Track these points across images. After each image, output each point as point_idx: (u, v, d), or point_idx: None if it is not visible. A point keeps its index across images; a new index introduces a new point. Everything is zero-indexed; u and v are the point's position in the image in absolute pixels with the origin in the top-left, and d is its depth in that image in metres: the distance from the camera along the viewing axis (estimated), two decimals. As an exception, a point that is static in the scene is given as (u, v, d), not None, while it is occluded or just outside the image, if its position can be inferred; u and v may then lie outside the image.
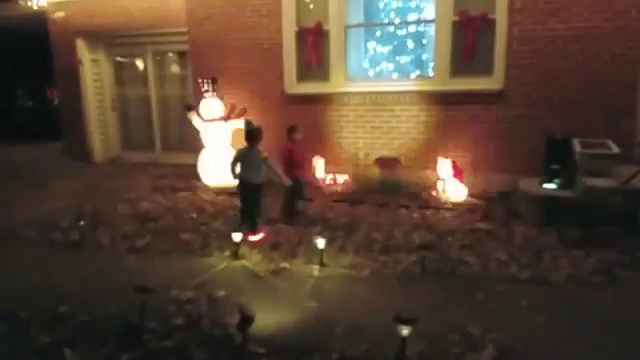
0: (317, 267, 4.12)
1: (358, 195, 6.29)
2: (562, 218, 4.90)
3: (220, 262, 4.30)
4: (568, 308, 3.38)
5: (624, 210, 4.58)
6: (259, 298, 3.60)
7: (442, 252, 4.34)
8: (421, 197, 6.10)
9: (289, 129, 5.48)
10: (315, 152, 6.81)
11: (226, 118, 6.97)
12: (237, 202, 5.20)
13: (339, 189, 6.56)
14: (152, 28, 8.53)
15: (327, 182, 6.70)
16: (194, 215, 5.66)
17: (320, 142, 6.99)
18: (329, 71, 6.88)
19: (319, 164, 6.81)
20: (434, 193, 6.14)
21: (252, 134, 4.86)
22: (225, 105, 7.05)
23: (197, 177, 7.11)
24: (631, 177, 4.70)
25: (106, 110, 9.78)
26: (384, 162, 6.71)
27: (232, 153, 5.11)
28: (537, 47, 5.82)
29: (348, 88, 6.84)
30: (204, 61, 7.46)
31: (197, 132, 7.09)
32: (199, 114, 7.00)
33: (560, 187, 5.23)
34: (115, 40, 9.25)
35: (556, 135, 5.58)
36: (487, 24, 6.02)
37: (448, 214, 5.58)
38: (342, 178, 6.70)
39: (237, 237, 4.36)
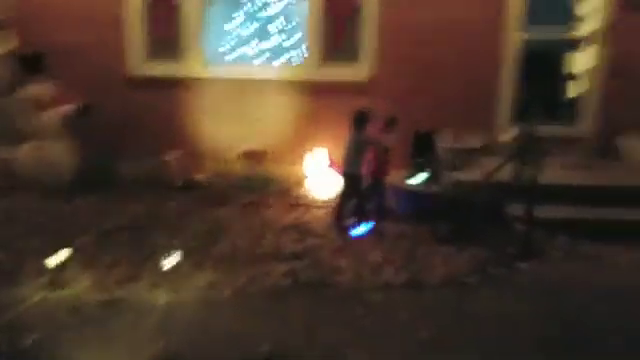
0: (165, 293, 3.34)
1: (220, 194, 5.58)
2: (431, 213, 4.76)
3: (33, 293, 3.29)
4: (450, 317, 3.12)
5: (490, 204, 4.57)
6: (85, 343, 2.74)
7: (314, 259, 3.88)
8: (291, 194, 5.60)
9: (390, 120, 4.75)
10: (170, 146, 5.93)
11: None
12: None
13: (198, 188, 5.77)
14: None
15: (183, 180, 5.84)
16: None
17: (175, 134, 6.11)
18: (184, 53, 6.02)
19: (174, 159, 5.94)
20: (304, 190, 5.69)
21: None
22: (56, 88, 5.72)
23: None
24: (494, 170, 4.71)
25: None
26: (250, 156, 6.08)
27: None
28: (406, 36, 5.65)
29: (207, 73, 6.05)
30: (29, 35, 6.01)
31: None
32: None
33: (426, 181, 5.12)
34: None
35: (421, 129, 5.50)
36: (355, 10, 5.70)
37: (320, 212, 5.15)
38: (201, 175, 5.92)
39: (55, 260, 3.39)
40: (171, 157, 5.90)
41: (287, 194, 5.59)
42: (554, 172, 4.63)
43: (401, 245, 4.21)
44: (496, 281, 3.59)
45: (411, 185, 5.09)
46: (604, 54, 5.46)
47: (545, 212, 4.07)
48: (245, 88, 5.99)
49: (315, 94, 5.89)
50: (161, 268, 3.51)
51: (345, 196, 4.67)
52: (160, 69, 6.05)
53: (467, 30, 5.53)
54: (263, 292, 3.39)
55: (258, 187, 5.74)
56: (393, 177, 5.29)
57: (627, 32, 5.33)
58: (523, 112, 5.00)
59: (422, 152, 5.36)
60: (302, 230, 4.52)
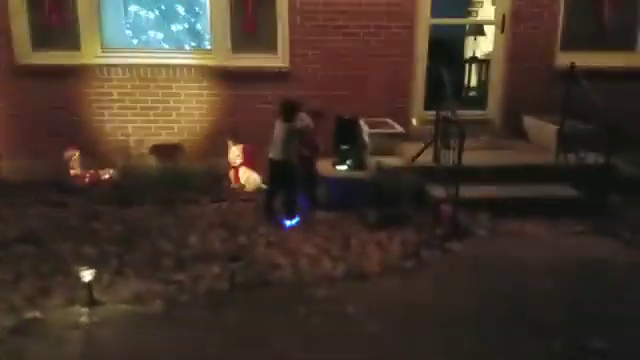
0: (85, 309, 2.95)
1: (132, 193, 5.10)
2: (359, 200, 4.74)
3: None
4: (396, 307, 3.10)
5: (414, 187, 4.65)
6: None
7: (248, 257, 3.66)
8: (213, 189, 5.27)
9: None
10: (67, 142, 5.30)
11: None
12: None
13: (103, 187, 5.22)
14: None
15: (86, 179, 5.26)
16: None
17: (73, 128, 5.48)
18: (79, 37, 5.37)
19: (73, 157, 5.32)
20: (227, 183, 5.40)
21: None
22: None
23: None
24: (418, 153, 4.81)
25: None
26: (163, 150, 5.64)
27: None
28: (320, 23, 5.52)
29: (106, 59, 5.46)
30: None
31: None
32: None
33: (352, 168, 5.10)
34: None
35: (344, 115, 5.45)
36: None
37: (246, 206, 4.91)
38: (107, 173, 5.36)
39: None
40: (70, 154, 5.28)
41: (208, 189, 5.25)
42: (467, 154, 4.79)
43: (334, 234, 4.15)
44: (431, 264, 3.65)
45: (338, 172, 5.03)
46: (506, 38, 5.77)
47: (465, 192, 4.21)
48: (152, 75, 5.51)
49: (232, 82, 5.58)
50: (76, 280, 3.07)
51: (274, 186, 4.49)
52: (53, 56, 5.35)
53: (377, 16, 5.54)
54: (198, 300, 3.13)
55: (175, 183, 5.34)
56: (320, 166, 5.21)
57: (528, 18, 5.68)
58: (436, 97, 5.11)
59: (346, 139, 5.31)
60: (230, 226, 4.26)
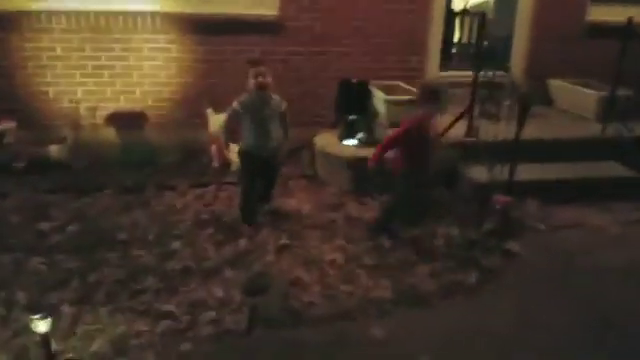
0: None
1: (88, 177, 4.01)
2: (377, 184, 3.90)
3: None
4: (476, 344, 2.32)
5: (447, 169, 3.84)
6: None
7: (259, 271, 2.76)
8: (189, 170, 4.25)
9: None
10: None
11: None
12: None
13: (48, 169, 4.09)
14: None
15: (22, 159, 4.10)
16: None
17: (6, 93, 4.24)
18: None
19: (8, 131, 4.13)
20: (206, 161, 4.38)
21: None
22: None
23: None
24: (450, 125, 3.95)
25: None
26: (123, 119, 4.51)
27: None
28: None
29: (45, 3, 4.19)
30: None
31: None
32: None
33: (364, 143, 4.20)
34: None
35: (351, 78, 4.50)
36: None
37: (237, 190, 3.94)
38: (53, 149, 4.21)
39: None
40: (3, 127, 4.09)
41: (183, 170, 4.23)
42: (490, 124, 3.96)
43: (356, 231, 3.29)
44: (495, 274, 2.87)
45: (348, 147, 4.12)
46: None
47: (504, 174, 3.45)
48: (106, 25, 4.29)
49: (208, 34, 4.45)
50: (24, 329, 2.09)
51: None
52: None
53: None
54: (202, 347, 2.21)
55: (141, 163, 4.28)
56: (320, 140, 4.28)
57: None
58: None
59: (353, 107, 4.38)
60: (222, 224, 3.32)
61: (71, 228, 3.18)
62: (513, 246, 3.12)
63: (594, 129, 4.30)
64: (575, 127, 4.44)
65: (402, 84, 4.58)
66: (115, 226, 3.23)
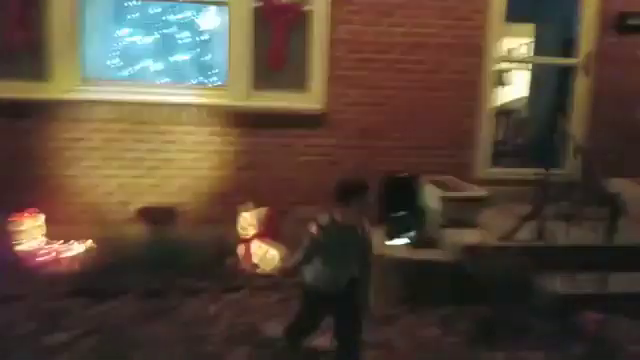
0: None
1: (108, 277, 3.62)
2: (432, 292, 3.40)
3: None
4: None
5: (518, 278, 3.32)
6: None
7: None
8: (221, 270, 3.83)
9: None
10: (25, 204, 3.85)
11: None
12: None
13: (73, 267, 3.74)
14: None
15: (49, 255, 3.78)
16: None
17: (36, 184, 4.05)
18: (51, 64, 4.03)
19: (33, 224, 3.87)
20: (237, 262, 3.98)
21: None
22: None
23: None
24: (516, 228, 3.49)
25: None
26: (154, 215, 4.22)
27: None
28: (367, 56, 4.35)
29: (86, 94, 4.12)
30: None
31: None
32: None
33: (415, 243, 3.76)
34: None
35: (397, 172, 4.19)
36: (302, 18, 4.28)
37: (271, 296, 3.47)
38: (81, 246, 3.90)
39: None
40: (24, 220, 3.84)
41: (216, 270, 3.81)
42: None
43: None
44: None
45: (396, 250, 3.68)
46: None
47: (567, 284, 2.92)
48: (143, 116, 4.16)
49: (251, 127, 4.29)
50: None
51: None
52: (13, 87, 3.97)
53: (438, 50, 4.40)
54: None
55: (167, 261, 3.88)
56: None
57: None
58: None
59: (399, 203, 4.02)
60: (261, 342, 2.81)
61: (85, 343, 2.74)
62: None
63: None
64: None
65: (455, 179, 4.24)
66: (132, 341, 2.77)
